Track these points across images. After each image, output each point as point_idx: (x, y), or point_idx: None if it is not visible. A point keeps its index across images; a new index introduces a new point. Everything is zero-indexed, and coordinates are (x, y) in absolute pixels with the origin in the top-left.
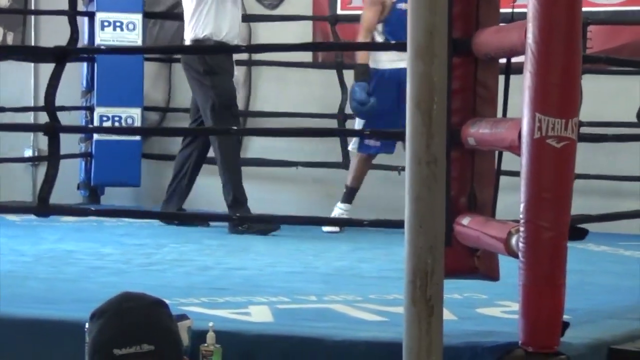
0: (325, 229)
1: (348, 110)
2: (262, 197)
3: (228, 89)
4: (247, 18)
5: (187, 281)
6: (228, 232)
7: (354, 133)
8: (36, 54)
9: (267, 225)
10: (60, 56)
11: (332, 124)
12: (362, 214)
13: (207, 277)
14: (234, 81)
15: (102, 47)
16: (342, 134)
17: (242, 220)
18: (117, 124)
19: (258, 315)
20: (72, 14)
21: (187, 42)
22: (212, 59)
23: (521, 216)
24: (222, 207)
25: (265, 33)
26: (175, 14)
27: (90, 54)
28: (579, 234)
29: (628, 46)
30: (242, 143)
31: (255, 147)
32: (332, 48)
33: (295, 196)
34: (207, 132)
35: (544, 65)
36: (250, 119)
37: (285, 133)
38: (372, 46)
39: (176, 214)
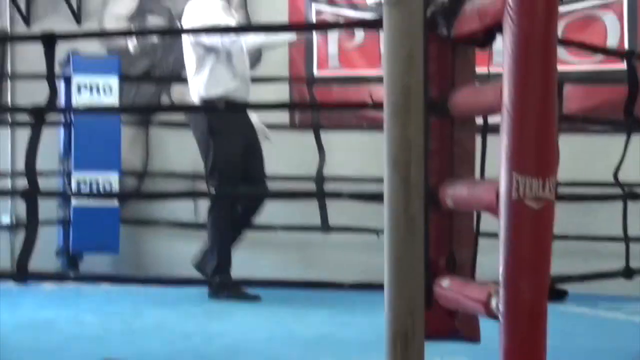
0: None
1: (326, 172)
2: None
3: (229, 152)
4: None
5: (168, 349)
6: (208, 298)
7: (332, 195)
8: (14, 114)
9: (247, 294)
10: (38, 115)
11: (310, 186)
12: (342, 277)
13: (188, 344)
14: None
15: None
16: (322, 196)
17: (223, 286)
18: (94, 190)
19: None
20: (50, 75)
21: (195, 101)
22: (217, 120)
23: (500, 278)
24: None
25: None
26: (151, 77)
27: (68, 113)
28: (559, 295)
29: (604, 105)
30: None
31: None
32: (309, 108)
33: (274, 260)
34: (187, 196)
35: (520, 125)
36: None
37: (264, 195)
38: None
39: (153, 278)
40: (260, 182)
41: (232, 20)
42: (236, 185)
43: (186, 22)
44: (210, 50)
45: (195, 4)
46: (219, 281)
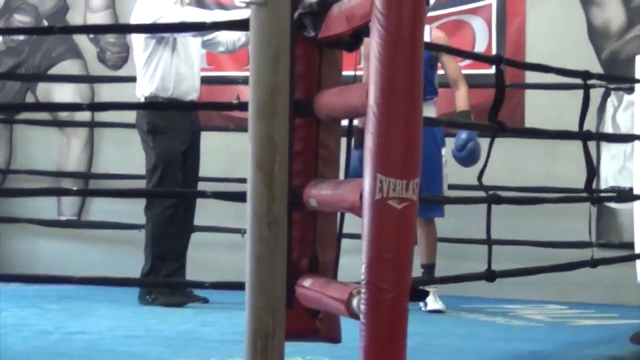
0: (431, 307)
1: None
2: (100, 259)
3: (171, 151)
4: (89, 78)
5: (26, 346)
6: (138, 303)
7: (195, 194)
8: None
9: (176, 297)
10: None
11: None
12: (205, 276)
13: (46, 341)
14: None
15: None
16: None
17: (150, 290)
18: None
19: None
20: None
21: (140, 99)
22: (157, 118)
23: (362, 277)
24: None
25: (108, 94)
26: (16, 75)
27: None
28: (420, 296)
29: (472, 109)
30: (84, 205)
31: (97, 209)
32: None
33: (139, 259)
34: (49, 193)
35: (385, 126)
36: (92, 180)
37: (127, 194)
38: (217, 106)
39: (13, 275)
40: (195, 182)
41: (185, 11)
42: (175, 185)
43: (137, 17)
44: (160, 42)
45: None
46: (147, 284)
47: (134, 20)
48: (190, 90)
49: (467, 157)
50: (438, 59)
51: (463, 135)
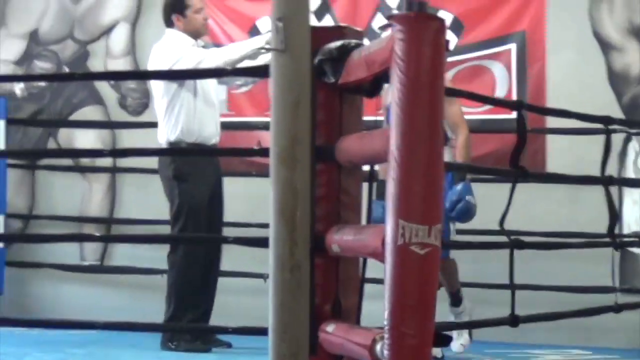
0: (455, 347)
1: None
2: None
3: (196, 197)
4: (111, 124)
5: None
6: (160, 349)
7: (217, 240)
8: None
9: (199, 343)
10: None
11: None
12: (228, 321)
13: None
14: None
15: None
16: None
17: (172, 336)
18: None
19: None
20: None
21: (162, 145)
22: (184, 164)
23: (385, 323)
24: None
25: (129, 139)
26: (38, 121)
27: None
28: (444, 341)
29: (493, 154)
30: (106, 250)
31: (120, 254)
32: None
33: (159, 303)
34: (72, 239)
35: (407, 172)
36: (115, 225)
37: (150, 240)
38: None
39: (37, 321)
40: (219, 228)
41: (203, 53)
42: (200, 231)
43: (155, 62)
44: (181, 86)
45: (162, 44)
46: (172, 330)
47: (152, 65)
48: (214, 133)
49: (458, 217)
50: None
51: (454, 197)
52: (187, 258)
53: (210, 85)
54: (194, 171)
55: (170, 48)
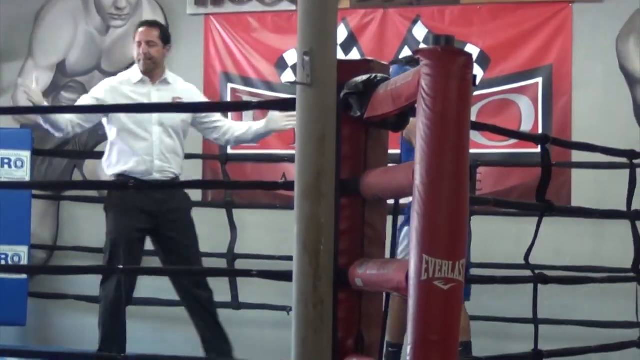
0: None
1: (237, 249)
2: (147, 336)
3: (119, 231)
4: None
5: None
6: None
7: (243, 273)
8: None
9: None
10: None
11: (221, 263)
12: (249, 354)
13: None
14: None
15: None
16: (231, 273)
17: None
18: (3, 262)
19: None
20: None
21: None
22: (109, 198)
23: (408, 358)
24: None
25: None
26: (63, 152)
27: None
28: None
29: (518, 188)
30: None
31: (144, 286)
32: (222, 186)
33: (183, 336)
34: (96, 271)
35: (431, 207)
36: None
37: (173, 272)
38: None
39: (60, 352)
40: (188, 259)
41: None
42: (122, 261)
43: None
44: (108, 122)
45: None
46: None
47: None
48: (152, 169)
49: None
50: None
51: None
52: (113, 291)
53: (150, 120)
54: (119, 206)
55: (102, 82)
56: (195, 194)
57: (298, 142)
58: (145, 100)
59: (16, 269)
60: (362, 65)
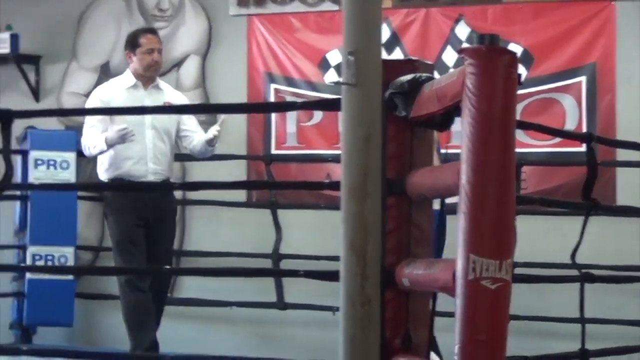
0: None
1: (282, 250)
2: (192, 336)
3: (121, 231)
4: (181, 156)
5: None
6: None
7: (288, 273)
8: None
9: None
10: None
11: (266, 263)
12: (295, 354)
13: None
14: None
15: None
16: (277, 274)
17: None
18: (50, 263)
19: None
20: (6, 151)
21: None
22: (108, 199)
23: (456, 357)
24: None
25: (200, 172)
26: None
27: (24, 190)
28: None
29: (562, 187)
30: (175, 282)
31: (188, 286)
32: (266, 187)
33: (229, 336)
34: (141, 272)
35: (478, 206)
36: (184, 258)
37: (219, 273)
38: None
39: (106, 353)
40: (162, 261)
41: (88, 124)
42: (128, 260)
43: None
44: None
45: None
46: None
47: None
48: (142, 171)
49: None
50: None
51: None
52: (123, 289)
53: (145, 123)
54: (117, 207)
55: (93, 93)
56: (239, 195)
57: (344, 142)
58: (139, 105)
59: (63, 270)
60: (407, 65)
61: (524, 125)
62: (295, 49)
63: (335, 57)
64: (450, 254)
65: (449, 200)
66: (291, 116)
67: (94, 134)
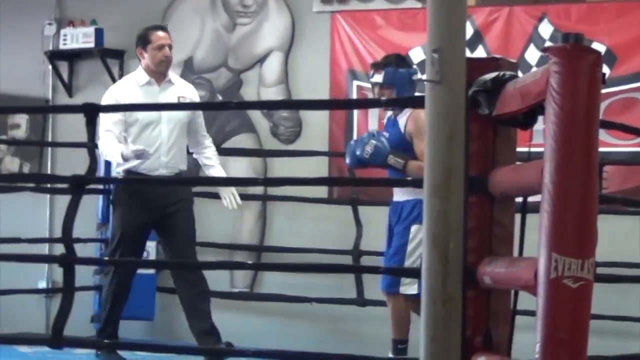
0: None
1: (363, 246)
2: (272, 331)
3: (123, 226)
4: (263, 152)
5: None
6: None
7: (369, 270)
8: (54, 183)
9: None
10: (78, 185)
11: (347, 260)
12: (375, 351)
13: None
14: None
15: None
16: (357, 270)
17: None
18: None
19: None
20: (90, 145)
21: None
22: (117, 192)
23: (537, 356)
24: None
25: (281, 168)
26: None
27: (107, 183)
28: None
29: None
30: (256, 277)
31: (269, 282)
32: (348, 183)
33: (308, 332)
34: (223, 267)
35: (561, 205)
36: (265, 253)
37: (300, 269)
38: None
39: (187, 347)
40: (186, 250)
41: (104, 126)
42: (130, 254)
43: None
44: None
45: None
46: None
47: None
48: (156, 165)
49: (372, 159)
50: (412, 138)
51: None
52: (114, 279)
53: (163, 120)
54: (125, 202)
55: (108, 92)
56: (321, 191)
57: (427, 139)
58: (154, 101)
59: (144, 263)
60: (491, 63)
61: (607, 125)
62: (377, 46)
63: (417, 54)
64: (532, 253)
65: (531, 199)
66: (373, 113)
67: (110, 140)
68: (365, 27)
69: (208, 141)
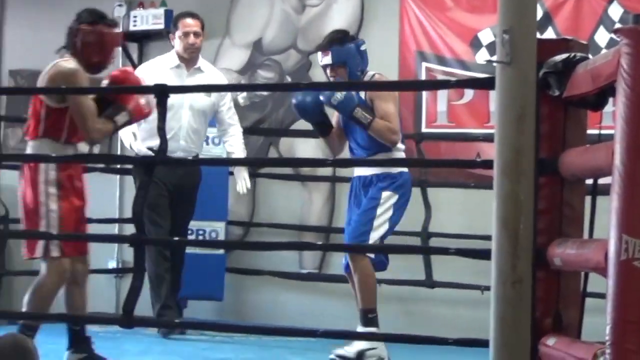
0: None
1: (431, 228)
2: (341, 312)
3: (140, 204)
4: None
5: None
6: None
7: (439, 251)
8: (124, 164)
9: None
10: (149, 166)
11: (415, 241)
12: (446, 333)
13: None
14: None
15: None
16: (427, 251)
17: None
18: (201, 238)
19: None
20: (161, 126)
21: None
22: (137, 173)
23: (607, 338)
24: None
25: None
26: (260, 129)
27: (178, 164)
28: None
29: None
30: (324, 258)
31: (336, 263)
32: (417, 164)
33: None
34: (291, 247)
35: (632, 187)
36: (333, 234)
37: (369, 250)
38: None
39: (255, 327)
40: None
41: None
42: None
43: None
44: None
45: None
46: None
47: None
48: (176, 147)
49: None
50: (372, 102)
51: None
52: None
53: (183, 104)
54: (144, 179)
55: (137, 71)
56: None
57: (498, 120)
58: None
59: (213, 244)
60: (561, 44)
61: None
62: (447, 28)
63: (486, 36)
64: (602, 235)
65: (601, 181)
66: (442, 95)
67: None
68: (434, 8)
69: (233, 129)
